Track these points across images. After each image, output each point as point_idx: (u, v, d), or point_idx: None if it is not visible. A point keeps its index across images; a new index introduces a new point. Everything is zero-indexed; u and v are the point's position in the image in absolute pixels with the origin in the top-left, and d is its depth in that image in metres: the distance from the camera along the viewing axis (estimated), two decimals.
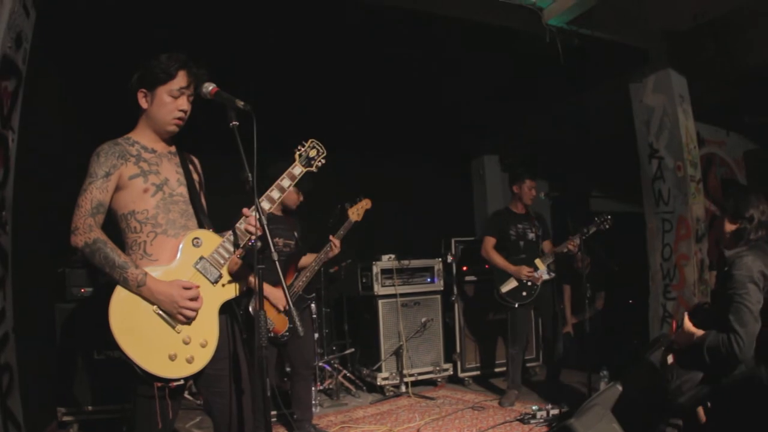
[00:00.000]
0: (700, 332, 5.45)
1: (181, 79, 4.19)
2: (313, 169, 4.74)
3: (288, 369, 8.32)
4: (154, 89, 4.15)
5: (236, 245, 4.22)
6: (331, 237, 7.55)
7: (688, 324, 5.60)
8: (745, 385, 5.24)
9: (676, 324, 5.94)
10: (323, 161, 4.79)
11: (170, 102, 4.17)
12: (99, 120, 6.87)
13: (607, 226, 8.75)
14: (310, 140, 4.79)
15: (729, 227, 5.77)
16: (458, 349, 10.85)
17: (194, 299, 3.94)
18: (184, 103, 4.22)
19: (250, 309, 6.73)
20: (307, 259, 7.70)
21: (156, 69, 4.13)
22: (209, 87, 4.18)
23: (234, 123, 3.97)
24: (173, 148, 4.45)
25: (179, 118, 4.23)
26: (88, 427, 7.92)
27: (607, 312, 11.75)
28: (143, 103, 4.19)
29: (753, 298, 5.18)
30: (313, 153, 4.72)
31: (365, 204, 7.77)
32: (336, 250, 7.59)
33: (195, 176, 4.50)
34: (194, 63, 4.28)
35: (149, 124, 4.24)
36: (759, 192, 5.86)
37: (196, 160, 4.66)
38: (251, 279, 4.29)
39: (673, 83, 9.16)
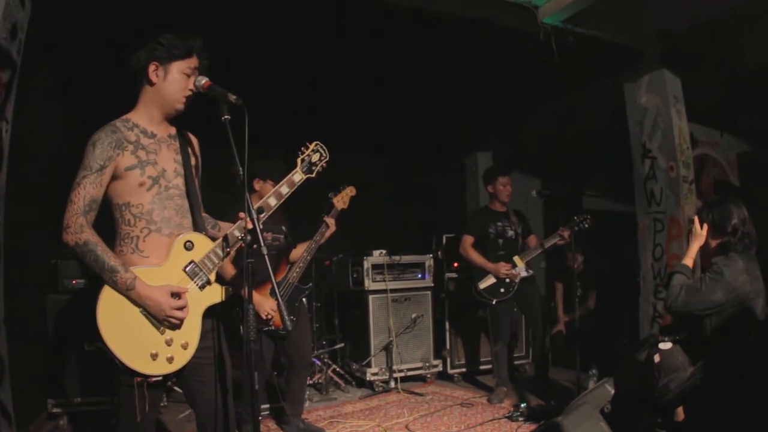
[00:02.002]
0: (690, 256, 5.99)
1: (195, 60, 4.22)
2: (314, 175, 4.75)
3: (284, 361, 8.34)
4: (168, 64, 4.14)
5: (227, 252, 4.24)
6: (325, 217, 7.54)
7: (698, 235, 6.05)
8: (707, 386, 5.42)
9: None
10: (325, 165, 4.79)
11: (182, 79, 4.17)
12: (93, 111, 6.84)
13: (587, 225, 8.75)
14: (314, 143, 4.78)
15: (713, 242, 5.93)
16: (448, 346, 10.90)
17: (181, 308, 3.95)
18: (192, 83, 4.22)
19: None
20: (297, 252, 7.66)
21: (172, 44, 4.13)
22: (202, 80, 4.17)
23: (226, 117, 3.98)
24: (173, 131, 4.41)
25: (187, 97, 4.22)
26: (77, 418, 7.94)
27: (598, 311, 11.77)
28: (153, 77, 4.14)
29: (714, 292, 5.50)
30: (315, 157, 4.74)
31: (350, 191, 7.72)
32: (332, 228, 7.55)
33: (193, 161, 4.49)
34: (210, 49, 4.31)
35: (155, 101, 4.20)
36: (737, 200, 5.99)
37: (195, 142, 4.63)
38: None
39: (668, 84, 9.16)
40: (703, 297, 5.51)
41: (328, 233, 7.53)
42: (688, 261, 5.94)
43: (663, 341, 6.04)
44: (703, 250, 6.06)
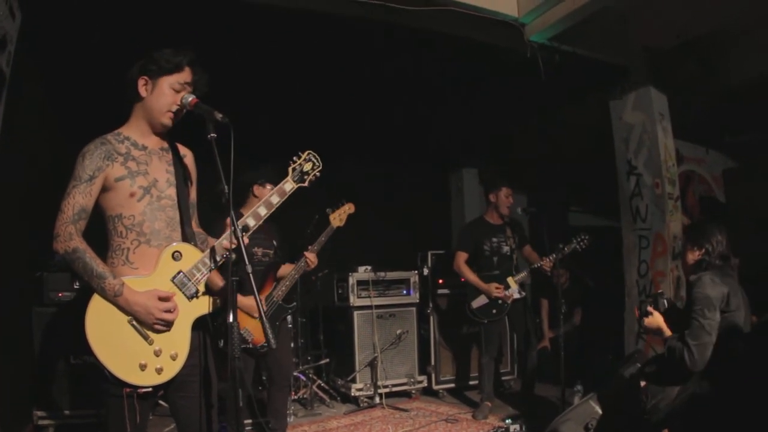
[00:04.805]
0: (667, 332, 5.87)
1: (186, 74, 4.19)
2: (306, 184, 4.66)
3: (264, 378, 8.30)
4: (157, 78, 4.13)
5: (215, 262, 4.20)
6: (305, 253, 7.53)
7: (658, 319, 5.99)
8: (695, 401, 5.44)
9: (638, 312, 6.22)
10: (318, 175, 4.71)
11: (170, 94, 4.14)
12: (81, 124, 6.83)
13: (584, 246, 8.71)
14: (306, 152, 4.69)
15: (691, 258, 6.05)
16: (433, 362, 10.87)
17: (170, 311, 3.93)
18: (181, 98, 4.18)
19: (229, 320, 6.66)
20: (285, 269, 7.65)
21: (163, 59, 4.12)
22: (189, 98, 4.13)
23: (212, 135, 3.94)
24: (165, 144, 4.39)
25: (174, 112, 4.18)
26: (64, 430, 7.91)
27: (583, 327, 11.77)
28: (143, 91, 4.15)
29: (707, 315, 5.49)
30: (308, 167, 4.64)
31: (348, 209, 7.71)
32: (312, 266, 7.57)
33: (186, 173, 4.46)
34: (200, 64, 4.28)
35: (144, 115, 4.19)
36: (719, 223, 6.11)
37: (189, 155, 4.61)
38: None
39: (654, 101, 9.18)
40: (707, 330, 5.53)
41: (308, 268, 7.57)
42: (668, 333, 5.94)
43: (649, 368, 6.11)
44: (684, 265, 6.17)
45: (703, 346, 5.47)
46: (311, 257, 7.52)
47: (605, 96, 9.86)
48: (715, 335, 5.47)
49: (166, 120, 4.20)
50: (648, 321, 6.11)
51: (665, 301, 6.21)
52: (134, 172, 4.07)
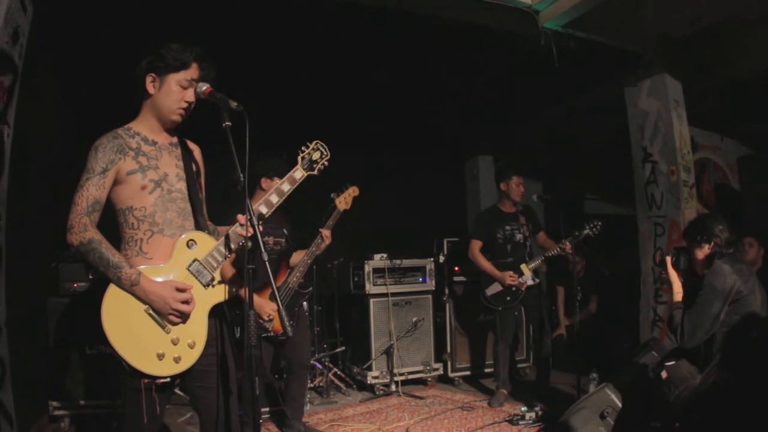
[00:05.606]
0: (677, 294, 6.16)
1: (193, 71, 4.19)
2: (315, 172, 4.70)
3: (283, 366, 8.29)
4: (164, 75, 4.13)
5: (230, 249, 4.22)
6: (320, 228, 7.50)
7: (673, 276, 6.26)
8: (716, 391, 5.43)
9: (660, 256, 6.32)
10: (326, 164, 4.75)
11: (178, 91, 4.15)
12: (95, 115, 6.84)
13: (597, 232, 8.67)
14: (314, 142, 4.74)
15: (701, 254, 6.09)
16: (448, 349, 10.88)
17: (186, 301, 3.95)
18: (191, 95, 4.20)
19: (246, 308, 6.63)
20: (297, 256, 7.63)
21: (170, 56, 4.12)
22: (203, 87, 4.14)
23: (227, 123, 3.97)
24: (175, 139, 4.42)
25: (184, 109, 4.21)
26: (79, 421, 7.93)
27: (598, 315, 11.75)
28: (150, 88, 4.16)
29: (707, 300, 5.65)
30: (316, 156, 4.69)
31: (352, 191, 7.58)
32: (327, 241, 7.49)
33: (195, 167, 4.48)
34: (208, 59, 4.29)
35: (153, 111, 4.21)
36: (715, 215, 6.19)
37: (197, 151, 4.63)
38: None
39: (668, 88, 9.14)
40: (704, 317, 5.60)
41: (323, 245, 7.49)
42: (678, 297, 6.11)
43: (668, 360, 6.10)
44: (695, 263, 6.17)
45: (694, 326, 5.66)
46: (327, 233, 7.46)
47: (620, 82, 9.83)
48: (709, 323, 5.62)
49: (176, 117, 4.22)
50: (664, 274, 6.22)
51: (686, 258, 6.25)
52: (145, 166, 4.09)
